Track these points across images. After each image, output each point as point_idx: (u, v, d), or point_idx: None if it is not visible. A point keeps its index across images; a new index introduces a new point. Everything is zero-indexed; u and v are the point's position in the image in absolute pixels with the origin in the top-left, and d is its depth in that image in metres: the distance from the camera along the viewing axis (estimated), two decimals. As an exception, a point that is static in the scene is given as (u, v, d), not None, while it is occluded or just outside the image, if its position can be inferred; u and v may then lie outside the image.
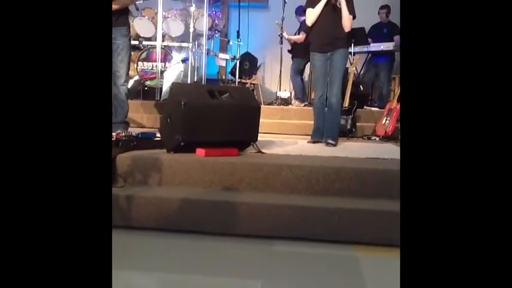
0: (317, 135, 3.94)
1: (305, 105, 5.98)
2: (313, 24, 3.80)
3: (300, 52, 6.52)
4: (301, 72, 6.58)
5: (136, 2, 6.14)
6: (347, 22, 3.67)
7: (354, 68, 5.33)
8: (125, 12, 3.49)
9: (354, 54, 6.02)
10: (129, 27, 3.54)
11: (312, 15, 3.77)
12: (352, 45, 5.94)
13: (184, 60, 5.67)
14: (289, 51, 6.65)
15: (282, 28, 6.37)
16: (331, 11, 3.69)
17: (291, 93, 6.72)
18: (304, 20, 6.43)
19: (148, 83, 5.82)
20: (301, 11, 6.48)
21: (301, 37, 6.40)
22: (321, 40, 3.78)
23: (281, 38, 6.44)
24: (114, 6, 3.27)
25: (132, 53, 6.03)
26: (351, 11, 3.68)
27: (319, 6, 3.71)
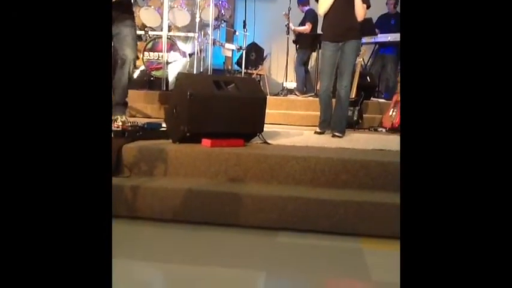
0: (323, 126, 3.91)
1: (308, 96, 5.96)
2: (325, 14, 3.71)
3: (304, 43, 6.49)
4: (305, 63, 6.55)
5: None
6: (360, 11, 3.59)
7: (361, 59, 5.29)
8: (129, 6, 3.46)
9: (361, 45, 5.97)
10: (134, 18, 3.51)
11: (324, 4, 3.67)
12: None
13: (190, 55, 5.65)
14: (294, 41, 6.61)
15: (288, 19, 6.32)
16: (344, 0, 3.60)
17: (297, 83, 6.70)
18: (308, 9, 6.42)
19: (154, 73, 5.80)
20: (303, 1, 6.43)
21: (307, 28, 6.37)
22: (333, 30, 3.68)
23: (287, 28, 6.40)
24: None
25: (138, 42, 6.06)
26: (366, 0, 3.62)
27: None
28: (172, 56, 5.69)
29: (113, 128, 2.92)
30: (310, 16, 6.34)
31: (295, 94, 6.33)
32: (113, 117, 3.13)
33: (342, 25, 3.64)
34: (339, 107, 3.79)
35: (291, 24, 6.33)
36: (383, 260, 1.97)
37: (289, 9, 6.30)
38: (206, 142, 2.76)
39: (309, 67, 6.80)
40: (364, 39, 6.13)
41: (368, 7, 3.66)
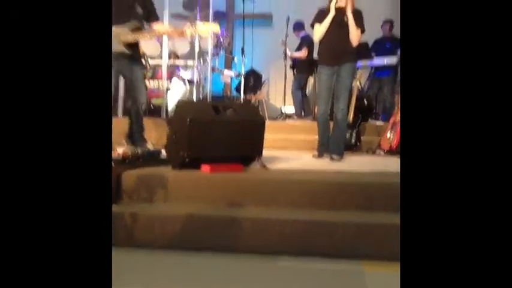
0: (322, 150, 3.93)
1: (305, 120, 6.02)
2: (321, 40, 3.80)
3: (302, 68, 6.58)
4: (302, 87, 6.64)
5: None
6: (355, 36, 3.67)
7: (358, 82, 5.35)
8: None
9: (357, 69, 6.05)
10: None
11: (319, 31, 3.76)
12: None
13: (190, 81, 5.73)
14: (291, 67, 6.71)
15: (285, 45, 6.43)
16: (339, 26, 3.68)
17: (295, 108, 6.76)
18: (304, 35, 6.54)
19: (154, 101, 5.86)
20: (299, 26, 6.55)
21: (303, 53, 6.47)
22: (329, 54, 3.76)
23: (285, 54, 6.50)
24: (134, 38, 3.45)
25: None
26: (359, 24, 3.69)
27: (326, 22, 3.70)
28: (174, 82, 5.77)
29: (113, 156, 2.95)
30: (306, 42, 6.44)
31: (293, 118, 6.38)
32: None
33: (337, 49, 3.71)
34: (336, 130, 3.82)
35: (288, 51, 6.43)
36: (384, 283, 1.96)
37: (287, 35, 6.41)
38: (205, 168, 2.78)
39: (306, 91, 6.88)
40: (361, 63, 6.21)
41: (362, 32, 3.74)
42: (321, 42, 3.82)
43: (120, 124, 5.18)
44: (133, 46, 3.51)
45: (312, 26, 3.88)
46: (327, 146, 3.90)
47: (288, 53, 6.46)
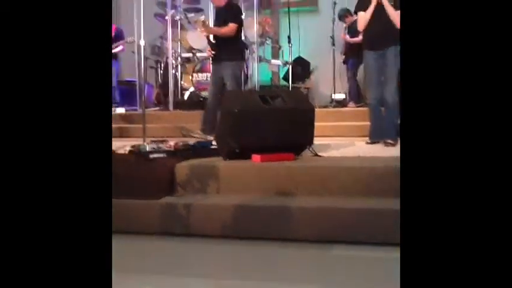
0: (375, 136, 3.83)
1: (358, 106, 5.84)
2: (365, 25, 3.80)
3: (354, 53, 6.39)
4: (355, 73, 6.45)
5: (188, 16, 6.33)
6: (395, 18, 3.62)
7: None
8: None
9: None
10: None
11: (364, 18, 3.77)
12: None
13: None
14: (342, 53, 6.51)
15: (333, 31, 6.27)
16: (381, 10, 3.66)
17: (345, 94, 6.59)
18: (352, 22, 6.33)
19: (204, 93, 5.94)
20: (343, 15, 6.34)
21: (360, 38, 6.27)
22: (372, 39, 3.77)
23: (333, 39, 6.35)
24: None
25: (187, 65, 6.21)
26: (398, 6, 3.60)
27: (370, 10, 3.69)
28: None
29: (165, 148, 3.02)
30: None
31: (347, 105, 6.23)
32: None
33: (380, 34, 3.69)
34: (388, 114, 3.72)
35: (346, 35, 6.25)
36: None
37: (333, 20, 6.27)
38: (256, 157, 2.77)
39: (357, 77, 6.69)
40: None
41: None
42: (365, 28, 3.81)
43: (171, 117, 5.31)
44: None
45: (356, 13, 3.86)
46: (379, 131, 3.80)
47: (347, 38, 6.27)
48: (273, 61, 6.69)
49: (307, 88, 7.00)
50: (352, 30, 6.33)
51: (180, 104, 5.83)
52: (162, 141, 3.22)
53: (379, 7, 3.66)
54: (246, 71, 5.77)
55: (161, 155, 2.86)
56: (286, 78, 6.76)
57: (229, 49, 4.22)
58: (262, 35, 6.28)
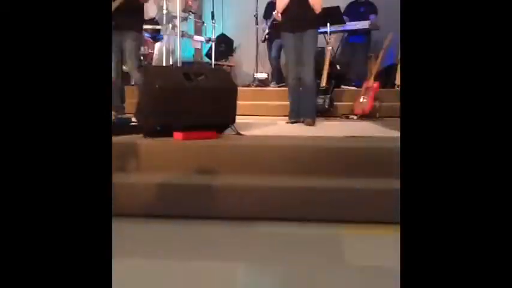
0: (294, 116, 3.94)
1: (280, 86, 5.94)
2: (284, 9, 3.88)
3: (278, 34, 6.43)
4: (279, 54, 6.51)
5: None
6: (316, 4, 3.74)
7: (331, 48, 5.30)
8: (132, 15, 3.79)
9: (329, 34, 5.96)
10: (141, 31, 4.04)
11: (282, 2, 3.85)
12: (328, 24, 5.85)
13: None
14: (266, 34, 6.51)
15: (257, 10, 6.27)
16: None
17: (268, 74, 6.66)
18: None
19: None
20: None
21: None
22: (290, 22, 3.85)
23: (256, 18, 6.35)
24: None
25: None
26: None
27: None
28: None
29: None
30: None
31: (268, 85, 6.29)
32: None
33: (298, 17, 3.79)
34: (305, 94, 3.85)
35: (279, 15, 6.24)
36: (362, 246, 1.98)
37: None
38: (178, 135, 2.71)
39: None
40: (333, 28, 6.10)
41: None
42: (283, 11, 3.90)
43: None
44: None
45: None
46: (298, 111, 3.91)
47: (274, 13, 6.26)
48: (196, 37, 6.55)
49: (230, 66, 6.97)
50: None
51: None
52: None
53: None
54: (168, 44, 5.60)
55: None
56: (209, 55, 6.67)
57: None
58: (185, 9, 6.10)
